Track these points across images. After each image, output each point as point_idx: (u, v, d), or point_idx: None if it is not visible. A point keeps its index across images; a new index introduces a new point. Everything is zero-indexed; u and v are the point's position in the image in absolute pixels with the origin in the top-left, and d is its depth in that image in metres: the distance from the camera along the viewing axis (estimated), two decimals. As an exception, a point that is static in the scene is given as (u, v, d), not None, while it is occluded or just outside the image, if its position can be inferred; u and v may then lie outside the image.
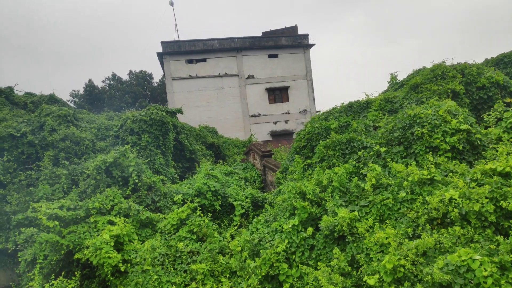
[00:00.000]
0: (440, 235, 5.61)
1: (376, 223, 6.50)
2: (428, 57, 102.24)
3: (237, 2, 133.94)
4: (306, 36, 35.43)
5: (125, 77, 53.98)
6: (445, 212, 5.89)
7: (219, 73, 33.21)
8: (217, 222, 11.25)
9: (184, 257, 8.93)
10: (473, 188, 5.90)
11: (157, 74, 68.62)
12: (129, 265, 8.76)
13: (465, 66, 10.85)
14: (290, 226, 7.50)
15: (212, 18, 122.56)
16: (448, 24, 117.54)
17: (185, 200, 11.28)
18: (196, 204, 10.72)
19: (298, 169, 9.60)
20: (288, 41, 34.87)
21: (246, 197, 11.76)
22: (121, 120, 15.79)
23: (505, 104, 8.45)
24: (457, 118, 7.99)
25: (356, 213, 6.75)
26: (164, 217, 10.68)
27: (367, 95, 12.81)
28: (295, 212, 7.88)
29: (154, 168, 14.02)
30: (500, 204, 5.43)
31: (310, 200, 7.92)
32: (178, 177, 15.18)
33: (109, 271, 8.52)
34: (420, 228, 6.03)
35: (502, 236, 5.05)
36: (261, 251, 7.71)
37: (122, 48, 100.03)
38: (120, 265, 8.66)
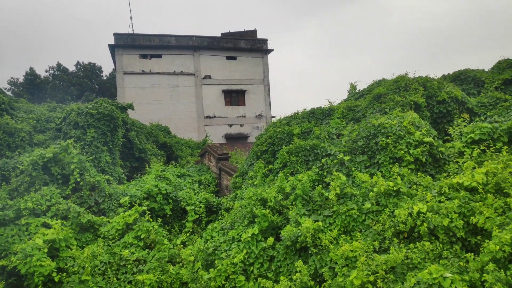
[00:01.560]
0: (409, 250, 5.39)
1: (342, 235, 6.18)
2: (376, 73, 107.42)
3: (194, 5, 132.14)
4: (265, 41, 35.40)
5: (72, 68, 50.72)
6: (413, 225, 5.70)
7: (175, 71, 32.08)
8: (167, 228, 10.44)
9: (129, 266, 8.09)
10: (441, 202, 5.76)
11: (107, 68, 65.29)
12: (64, 274, 7.79)
13: (426, 80, 11.07)
14: (249, 235, 7.01)
15: (169, 18, 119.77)
16: (396, 44, 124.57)
17: (133, 203, 10.38)
18: (144, 208, 9.88)
19: (260, 174, 9.13)
20: (247, 44, 34.60)
21: (200, 202, 11.07)
22: (64, 112, 14.38)
23: (464, 119, 8.65)
24: (421, 130, 7.97)
25: (320, 223, 6.40)
26: (108, 221, 9.72)
27: (330, 102, 12.72)
28: (255, 220, 7.39)
29: (99, 167, 12.86)
30: (469, 219, 5.32)
31: (271, 208, 7.48)
32: (126, 177, 14.09)
33: (40, 282, 7.49)
34: (387, 241, 5.78)
35: (471, 253, 4.90)
36: (216, 261, 7.15)
37: (72, 40, 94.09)
38: (54, 274, 7.68)
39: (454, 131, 8.17)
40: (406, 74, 12.00)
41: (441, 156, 7.66)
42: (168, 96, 31.79)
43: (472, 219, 5.22)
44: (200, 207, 10.85)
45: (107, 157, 13.28)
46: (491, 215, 5.10)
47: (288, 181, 7.89)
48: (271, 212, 7.33)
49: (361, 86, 15.56)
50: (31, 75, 46.84)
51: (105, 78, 52.12)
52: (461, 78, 13.23)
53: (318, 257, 6.10)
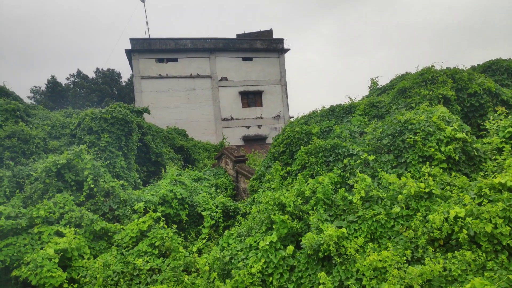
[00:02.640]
0: (446, 260, 4.77)
1: (369, 243, 5.60)
2: (396, 69, 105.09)
3: (210, 9, 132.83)
4: (281, 40, 34.83)
5: (91, 75, 51.51)
6: (450, 232, 5.07)
7: (191, 74, 31.92)
8: (183, 234, 10.05)
9: (142, 276, 7.72)
10: (482, 205, 5.11)
11: (126, 74, 66.01)
12: (76, 285, 7.47)
13: (455, 71, 10.28)
14: (268, 243, 6.50)
15: (184, 21, 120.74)
16: (416, 39, 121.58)
17: (147, 209, 10.04)
18: (159, 214, 9.51)
19: (277, 177, 8.61)
20: (263, 45, 34.11)
21: (217, 206, 10.64)
22: (79, 117, 14.26)
23: (501, 112, 7.89)
24: (452, 126, 7.29)
25: (344, 230, 5.84)
26: (122, 228, 9.39)
27: (350, 99, 12.07)
28: (273, 226, 6.88)
29: (114, 172, 12.63)
30: (516, 224, 4.66)
31: (290, 213, 6.95)
32: (142, 182, 13.83)
33: (51, 293, 7.19)
34: (420, 250, 5.17)
35: (522, 264, 4.26)
36: (232, 271, 6.67)
37: (92, 48, 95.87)
38: (66, 286, 7.36)
39: (491, 125, 7.43)
40: (433, 66, 11.20)
41: (476, 153, 6.96)
42: (185, 99, 31.65)
43: (521, 225, 4.57)
44: (217, 212, 10.43)
45: (122, 162, 13.04)
46: (543, 220, 4.44)
47: (307, 184, 7.36)
48: (290, 218, 6.81)
49: (382, 82, 14.83)
50: (52, 83, 47.79)
51: (124, 83, 52.70)
52: (493, 68, 12.31)
53: (343, 267, 5.54)
